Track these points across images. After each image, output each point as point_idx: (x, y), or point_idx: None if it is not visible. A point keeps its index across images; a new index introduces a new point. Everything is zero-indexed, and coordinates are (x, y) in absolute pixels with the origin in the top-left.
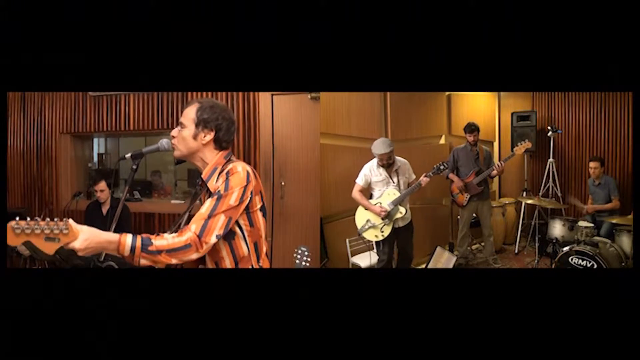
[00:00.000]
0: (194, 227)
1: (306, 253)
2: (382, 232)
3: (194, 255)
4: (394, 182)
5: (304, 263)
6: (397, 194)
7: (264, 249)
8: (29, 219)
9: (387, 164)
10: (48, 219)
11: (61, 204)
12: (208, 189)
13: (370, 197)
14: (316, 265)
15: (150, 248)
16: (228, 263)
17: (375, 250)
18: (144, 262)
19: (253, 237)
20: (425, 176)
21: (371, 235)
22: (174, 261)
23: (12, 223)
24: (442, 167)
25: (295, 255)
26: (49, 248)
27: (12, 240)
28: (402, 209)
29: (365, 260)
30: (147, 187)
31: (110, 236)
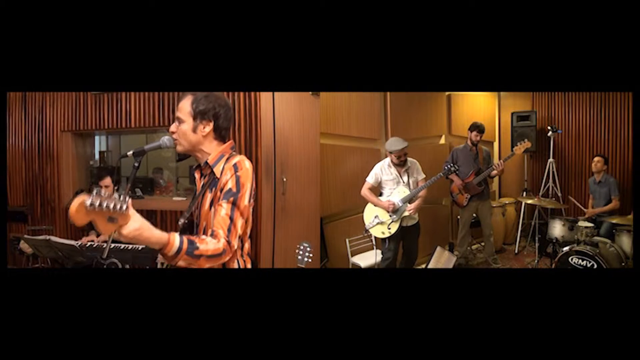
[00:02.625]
0: (222, 232)
1: (308, 249)
2: (390, 229)
3: (226, 259)
4: (404, 182)
5: (306, 259)
6: (407, 192)
7: (247, 246)
8: (95, 192)
9: (401, 161)
10: (115, 195)
11: (63, 201)
12: (212, 175)
13: (380, 195)
14: (316, 265)
15: (195, 252)
16: None
17: (380, 248)
18: (182, 263)
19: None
20: (441, 175)
21: (378, 232)
22: (207, 266)
23: (86, 199)
24: (452, 168)
25: (297, 251)
26: (107, 230)
27: (81, 219)
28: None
29: (366, 260)
30: (149, 184)
31: (159, 234)
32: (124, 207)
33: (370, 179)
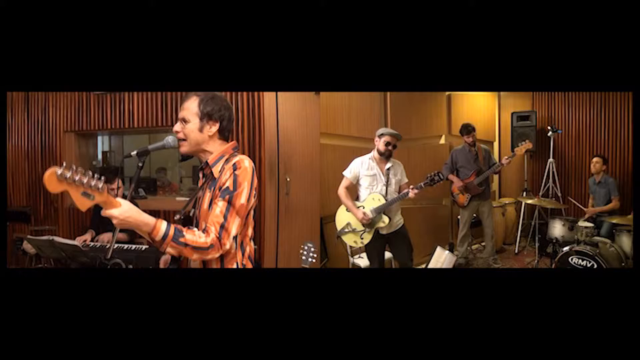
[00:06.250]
0: (214, 229)
1: (312, 249)
2: (362, 239)
3: (215, 256)
4: (383, 181)
5: (310, 259)
6: (382, 201)
7: (248, 250)
8: (74, 167)
9: (388, 151)
10: (90, 172)
11: (66, 202)
12: (211, 175)
13: (357, 198)
14: (316, 265)
15: (180, 239)
16: (214, 261)
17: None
18: (170, 250)
19: (241, 236)
20: (415, 188)
21: (350, 240)
22: (195, 257)
23: (57, 169)
24: (436, 177)
25: (301, 251)
26: (83, 204)
27: (53, 186)
28: (385, 219)
29: (366, 260)
30: (152, 185)
31: (147, 218)
32: (100, 185)
33: (348, 174)
